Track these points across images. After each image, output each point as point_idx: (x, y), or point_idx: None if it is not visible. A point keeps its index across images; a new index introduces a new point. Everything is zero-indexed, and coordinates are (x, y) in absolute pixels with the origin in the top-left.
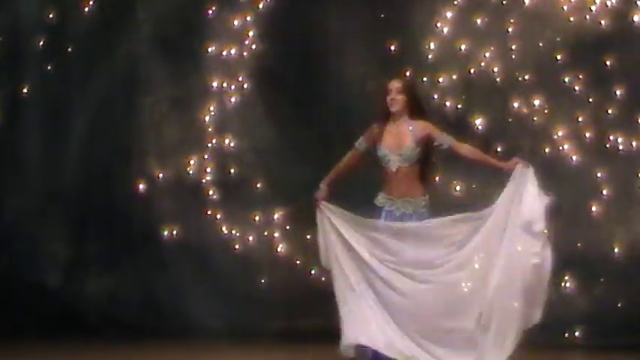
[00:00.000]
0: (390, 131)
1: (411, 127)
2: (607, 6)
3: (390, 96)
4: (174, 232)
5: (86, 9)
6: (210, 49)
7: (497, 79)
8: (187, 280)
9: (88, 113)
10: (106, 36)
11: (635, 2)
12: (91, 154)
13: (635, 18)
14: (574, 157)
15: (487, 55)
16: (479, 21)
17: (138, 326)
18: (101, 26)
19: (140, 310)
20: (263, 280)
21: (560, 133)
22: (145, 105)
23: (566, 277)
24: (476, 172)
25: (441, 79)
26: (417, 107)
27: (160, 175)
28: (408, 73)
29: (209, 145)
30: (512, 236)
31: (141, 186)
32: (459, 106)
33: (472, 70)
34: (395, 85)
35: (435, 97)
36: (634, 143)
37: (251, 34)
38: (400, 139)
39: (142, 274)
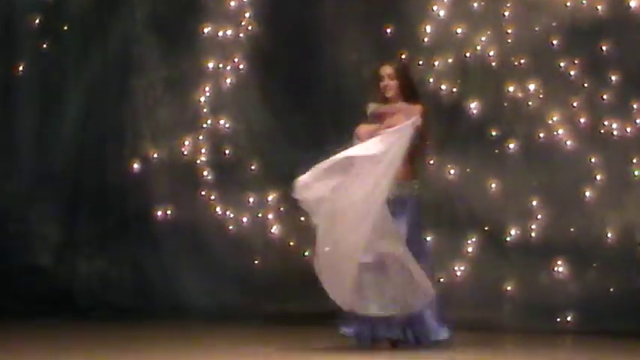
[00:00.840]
0: (384, 114)
1: (404, 112)
2: None
3: (383, 82)
4: (168, 213)
5: None
6: (205, 31)
7: (493, 64)
8: (180, 261)
9: (82, 93)
10: (101, 16)
11: None
12: (84, 135)
13: (632, 4)
14: (568, 143)
15: (483, 39)
16: (475, 5)
17: (130, 307)
18: (96, 6)
19: (132, 291)
20: (256, 262)
21: (554, 118)
22: (140, 86)
23: (559, 262)
24: (470, 155)
25: (436, 63)
26: (411, 91)
27: (154, 156)
28: (403, 56)
29: (204, 126)
30: None
31: (135, 166)
32: (455, 90)
33: (468, 54)
34: (387, 70)
35: (431, 80)
36: (628, 129)
37: (247, 15)
38: (393, 122)
39: (135, 255)
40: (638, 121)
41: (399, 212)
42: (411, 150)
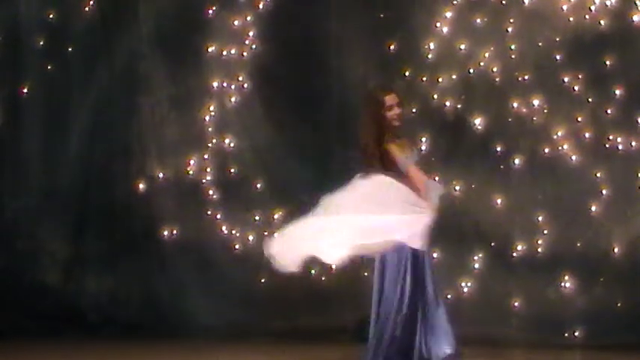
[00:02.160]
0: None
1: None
2: (606, 6)
3: (394, 111)
4: (174, 232)
5: (86, 8)
6: (210, 49)
7: (497, 79)
8: (187, 280)
9: (88, 112)
10: (107, 35)
11: (635, 2)
12: (91, 154)
13: (635, 18)
14: (573, 157)
15: (486, 55)
16: (478, 21)
17: (137, 325)
18: (101, 26)
19: (140, 310)
20: (263, 280)
21: (559, 133)
22: (145, 104)
23: (566, 277)
24: (476, 171)
25: (440, 79)
26: None
27: (160, 175)
28: (407, 73)
29: (209, 144)
30: None
31: (141, 185)
32: (459, 106)
33: (471, 70)
34: (395, 99)
35: (435, 97)
36: (633, 143)
37: (251, 34)
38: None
39: (142, 273)
40: None
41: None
42: None
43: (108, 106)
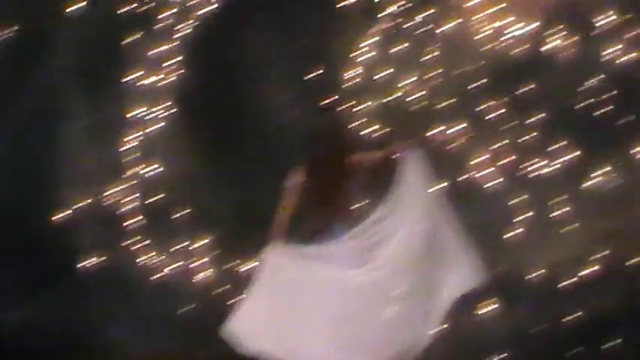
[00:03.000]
0: None
1: None
2: (526, 32)
3: None
4: (96, 261)
5: (1, 37)
6: (131, 77)
7: (418, 106)
8: (107, 310)
9: (4, 142)
10: (25, 64)
11: (554, 29)
12: (7, 183)
13: (552, 44)
14: (494, 182)
15: (407, 82)
16: (399, 48)
17: (56, 357)
18: (19, 54)
19: (59, 341)
20: (186, 309)
21: (479, 159)
22: (65, 134)
23: (487, 302)
24: None
25: (363, 106)
26: None
27: (80, 205)
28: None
29: (131, 173)
30: None
31: (61, 215)
32: (379, 134)
33: (393, 97)
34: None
35: (356, 124)
36: (551, 168)
37: (175, 60)
38: None
39: (61, 304)
40: (561, 159)
41: None
42: None
43: (26, 136)
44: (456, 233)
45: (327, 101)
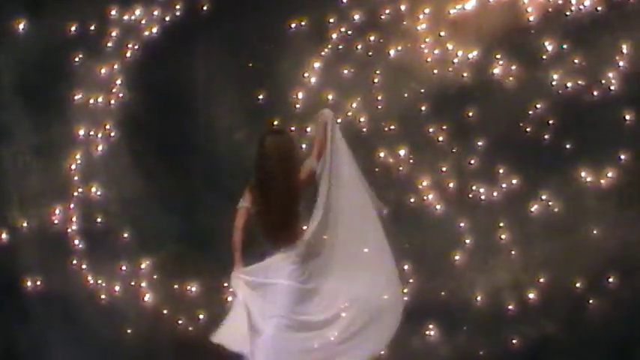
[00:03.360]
0: None
1: None
2: (469, 59)
3: None
4: (38, 283)
5: None
6: (76, 97)
7: (364, 129)
8: (51, 332)
9: None
10: None
11: (495, 56)
12: None
13: (495, 71)
14: (438, 207)
15: (353, 105)
16: (345, 72)
17: None
18: None
19: None
20: (129, 331)
21: (424, 183)
22: (7, 154)
23: (430, 326)
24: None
25: (308, 129)
26: None
27: (24, 225)
28: (275, 123)
29: (74, 194)
30: None
31: (3, 236)
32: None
33: (339, 120)
34: None
35: (303, 146)
36: (495, 193)
37: (118, 82)
38: None
39: (3, 326)
40: (504, 185)
41: None
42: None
43: None
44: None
45: (273, 124)
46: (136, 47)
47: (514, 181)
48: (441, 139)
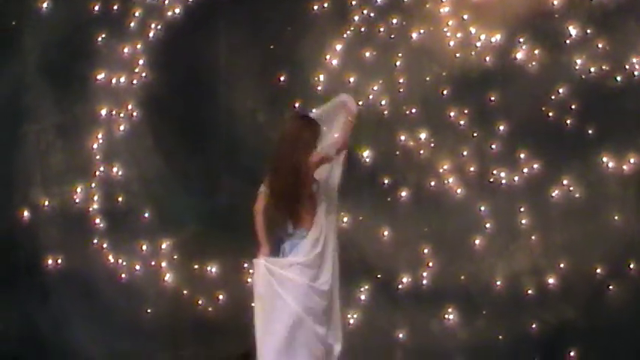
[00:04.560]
0: None
1: None
2: (491, 43)
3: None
4: (59, 262)
5: None
6: (98, 77)
7: (385, 112)
8: (71, 311)
9: None
10: None
11: (518, 40)
12: None
13: (518, 55)
14: (458, 191)
15: (375, 88)
16: (367, 54)
17: (19, 358)
18: None
19: (21, 342)
20: (149, 310)
21: (445, 167)
22: (31, 132)
23: (449, 310)
24: (363, 204)
25: None
26: None
27: (46, 204)
28: (297, 105)
29: (96, 173)
30: None
31: (25, 214)
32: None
33: (360, 103)
34: None
35: (325, 129)
36: (516, 178)
37: (141, 62)
38: None
39: (25, 304)
40: (525, 170)
41: None
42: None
43: None
44: None
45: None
46: (159, 27)
47: (535, 166)
48: (462, 122)
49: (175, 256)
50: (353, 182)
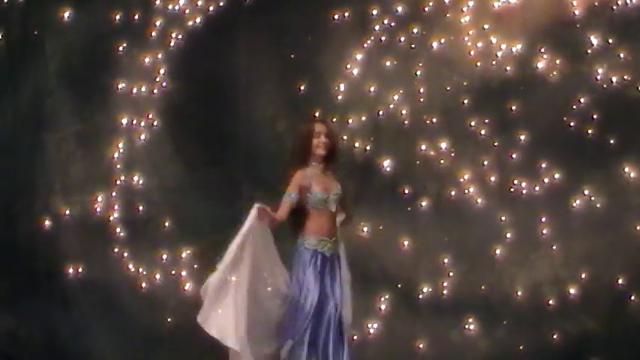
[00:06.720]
0: (316, 174)
1: (329, 172)
2: (512, 52)
3: (320, 139)
4: (80, 270)
5: None
6: (119, 86)
7: (405, 122)
8: (92, 319)
9: None
10: (13, 69)
11: (540, 49)
12: None
13: (539, 65)
14: (479, 201)
15: (395, 97)
16: (387, 64)
17: None
18: (7, 59)
19: (42, 350)
20: (169, 320)
21: (465, 177)
22: (52, 140)
23: (470, 319)
24: (383, 213)
25: (350, 121)
26: (335, 153)
27: (66, 212)
28: (317, 114)
29: (117, 182)
30: None
31: (46, 223)
32: (368, 148)
33: (380, 112)
34: (324, 128)
35: (344, 138)
36: (536, 188)
37: (161, 71)
38: (328, 181)
39: (45, 312)
40: (546, 180)
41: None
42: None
43: (13, 141)
44: None
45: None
46: (180, 37)
47: (556, 176)
48: (482, 132)
49: (195, 265)
50: (373, 191)
